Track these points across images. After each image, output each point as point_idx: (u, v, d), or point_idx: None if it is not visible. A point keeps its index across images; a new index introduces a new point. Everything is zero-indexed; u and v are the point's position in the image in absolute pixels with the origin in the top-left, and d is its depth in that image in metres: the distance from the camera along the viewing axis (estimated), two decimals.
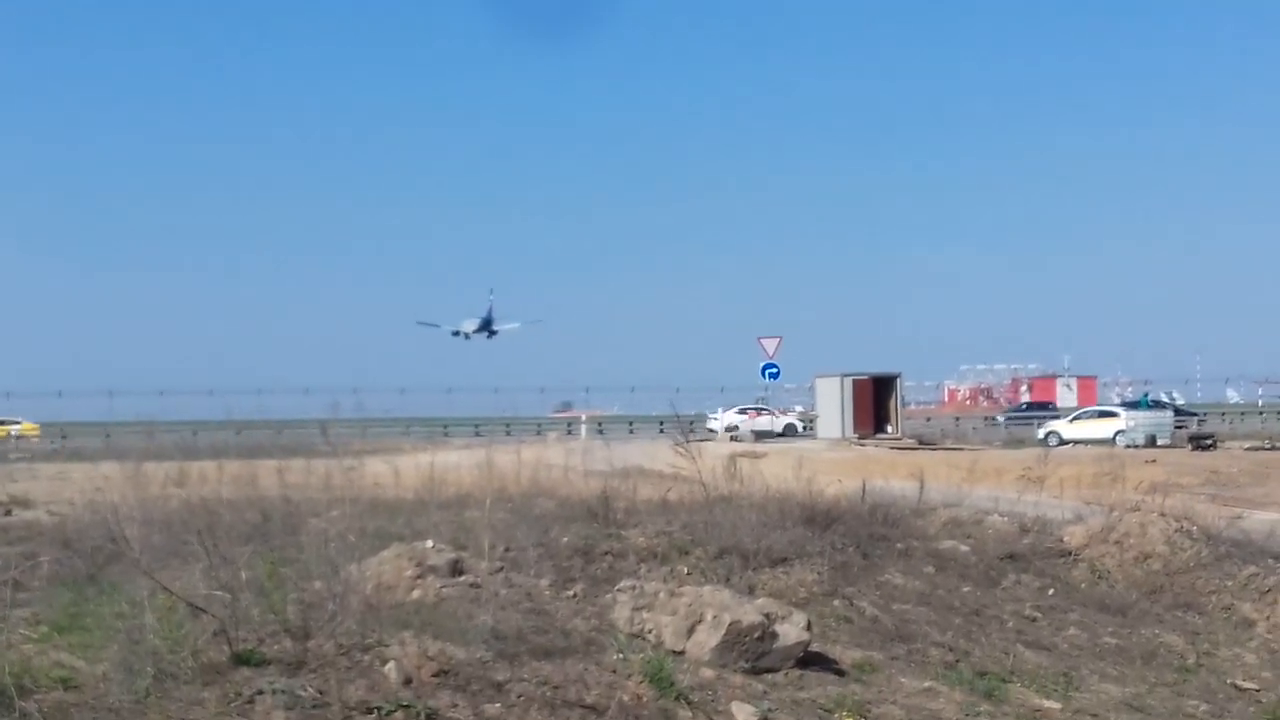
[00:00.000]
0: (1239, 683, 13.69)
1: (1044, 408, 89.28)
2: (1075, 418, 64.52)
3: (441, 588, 11.62)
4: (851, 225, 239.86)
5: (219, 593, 9.12)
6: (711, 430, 63.80)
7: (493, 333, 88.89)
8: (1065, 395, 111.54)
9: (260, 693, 7.81)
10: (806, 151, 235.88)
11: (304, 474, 15.24)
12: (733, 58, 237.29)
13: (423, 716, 7.78)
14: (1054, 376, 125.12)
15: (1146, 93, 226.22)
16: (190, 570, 10.24)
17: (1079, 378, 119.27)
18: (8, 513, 19.92)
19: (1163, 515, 19.06)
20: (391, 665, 8.57)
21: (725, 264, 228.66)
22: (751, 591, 13.18)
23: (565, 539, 14.57)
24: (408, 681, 8.38)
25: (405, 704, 7.88)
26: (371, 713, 7.70)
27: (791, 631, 11.34)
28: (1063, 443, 54.63)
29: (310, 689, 7.92)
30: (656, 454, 25.85)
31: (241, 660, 8.38)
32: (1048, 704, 11.80)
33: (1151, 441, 55.43)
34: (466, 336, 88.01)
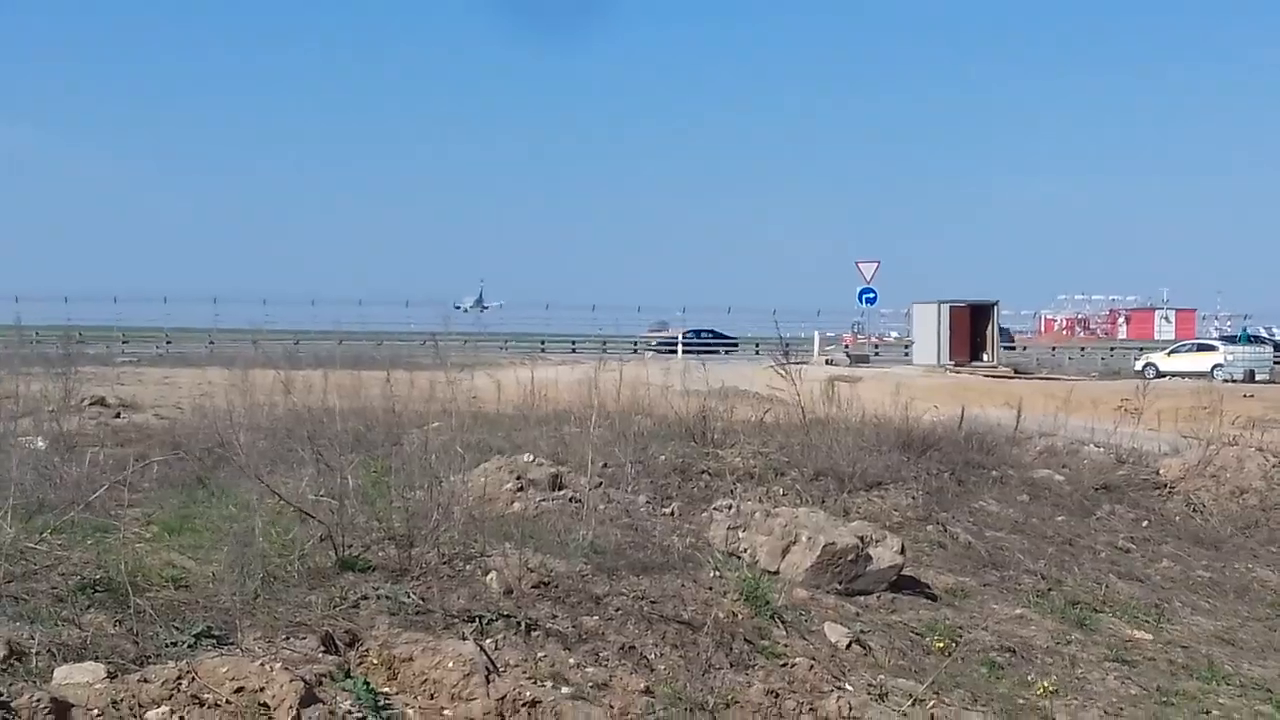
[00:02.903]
0: None
1: None
2: (1173, 350, 63.63)
3: (541, 501, 11.75)
4: (953, 152, 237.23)
5: (325, 499, 9.30)
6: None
7: (485, 308, 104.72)
8: (1164, 328, 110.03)
9: (365, 598, 7.96)
10: (907, 76, 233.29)
11: (406, 385, 15.38)
12: None
13: (523, 626, 7.87)
14: (1152, 309, 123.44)
15: (1254, 23, 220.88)
16: (297, 476, 10.43)
17: (1178, 310, 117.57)
18: (117, 415, 20.28)
19: (1260, 450, 18.79)
20: (493, 575, 8.70)
21: (825, 188, 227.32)
22: (846, 514, 13.21)
23: (663, 457, 14.65)
24: (508, 592, 8.51)
25: (506, 613, 7.99)
26: (473, 621, 7.80)
27: (885, 555, 11.37)
28: (1159, 375, 53.85)
29: (413, 596, 8.05)
30: (753, 376, 25.84)
31: (347, 566, 8.54)
32: (1139, 634, 11.75)
33: (1250, 376, 54.46)
34: (465, 310, 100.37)
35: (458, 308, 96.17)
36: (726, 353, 70.65)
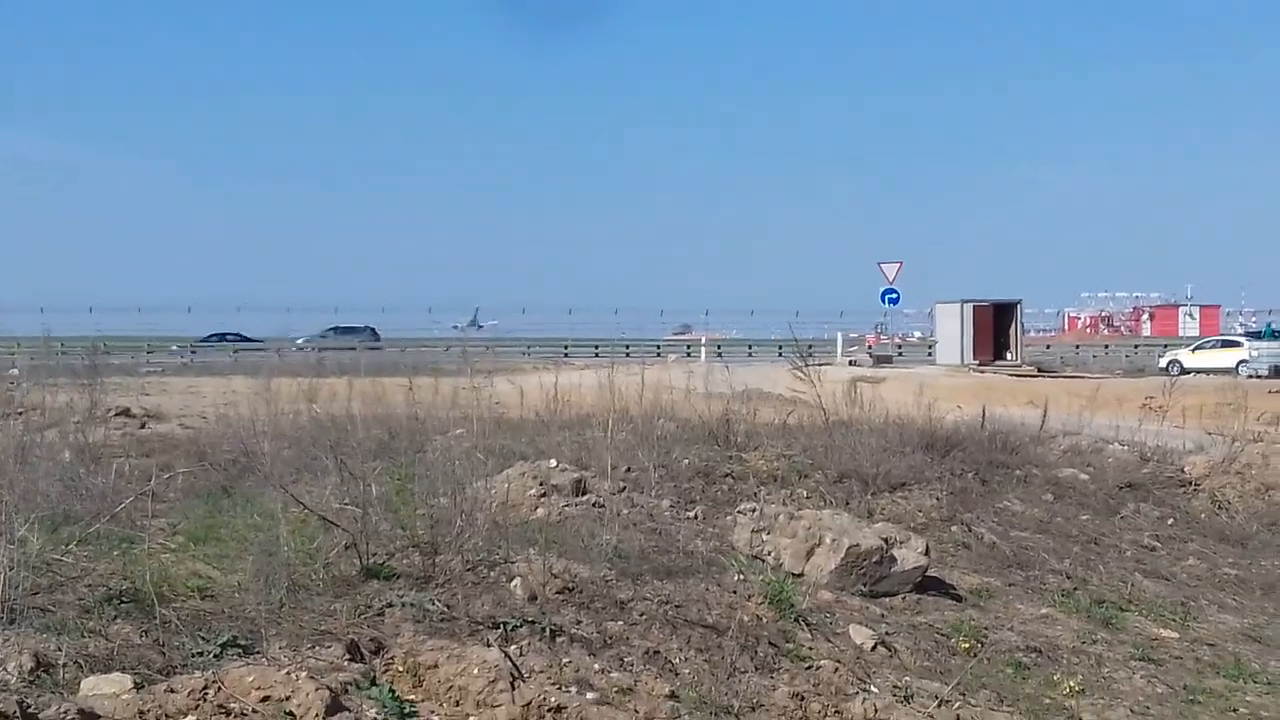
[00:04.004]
0: None
1: None
2: (1197, 347, 63.40)
3: (565, 506, 11.75)
4: (973, 148, 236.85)
5: (350, 507, 9.33)
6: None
7: (480, 327, 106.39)
8: (1188, 324, 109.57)
9: (390, 605, 7.97)
10: (926, 72, 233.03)
11: (429, 392, 15.43)
12: None
13: (547, 632, 7.89)
14: (1176, 305, 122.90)
15: None
16: (321, 485, 10.47)
17: (1202, 307, 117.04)
18: (142, 425, 20.40)
19: None
20: (517, 581, 8.71)
21: (846, 188, 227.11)
22: (870, 516, 13.21)
23: (686, 461, 14.64)
24: (533, 598, 8.52)
25: (531, 619, 8.00)
26: (497, 627, 7.81)
27: (910, 556, 11.37)
28: (1184, 372, 53.60)
29: (438, 603, 8.07)
30: (776, 378, 25.83)
31: (372, 574, 8.56)
32: (1165, 633, 11.73)
33: (1275, 372, 54.34)
34: (461, 329, 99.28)
35: (455, 328, 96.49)
36: (749, 354, 70.42)
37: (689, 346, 77.38)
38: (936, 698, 8.61)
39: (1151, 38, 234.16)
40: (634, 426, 14.44)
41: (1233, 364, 56.66)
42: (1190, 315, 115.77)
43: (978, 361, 55.60)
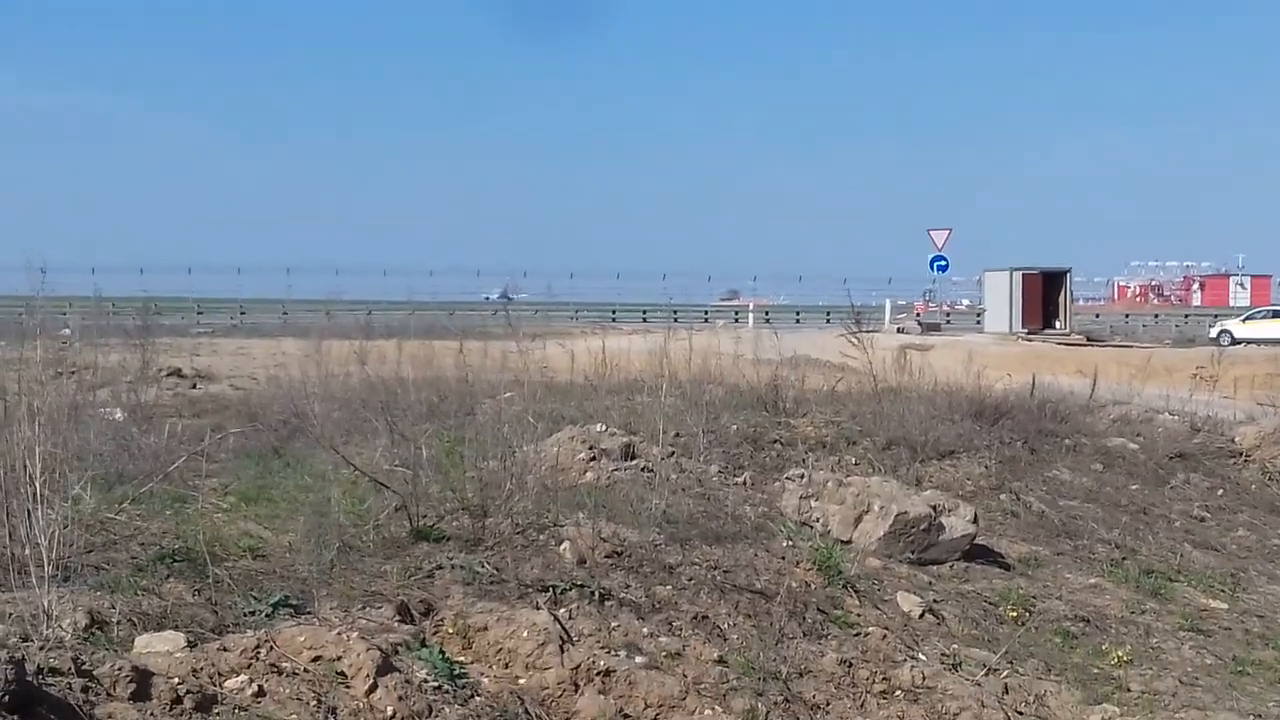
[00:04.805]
0: None
1: None
2: (1248, 317, 62.77)
3: (614, 471, 11.76)
4: (1025, 115, 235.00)
5: (400, 469, 9.36)
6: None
7: (509, 299, 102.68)
8: (1239, 294, 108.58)
9: (440, 567, 8.01)
10: (980, 37, 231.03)
11: (479, 355, 15.44)
12: None
13: (596, 596, 7.90)
14: (1227, 275, 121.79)
15: None
16: (371, 447, 10.51)
17: (1253, 276, 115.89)
18: (193, 386, 20.53)
19: None
20: (566, 545, 8.73)
21: (896, 154, 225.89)
22: (918, 483, 13.19)
23: (734, 426, 14.64)
24: (582, 561, 8.54)
25: (580, 583, 8.02)
26: (547, 590, 7.84)
27: (958, 524, 11.34)
28: (1235, 342, 53.13)
29: (488, 565, 8.10)
30: (824, 344, 25.76)
31: (421, 536, 8.59)
32: (1214, 604, 11.67)
33: None
34: (491, 300, 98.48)
35: (485, 299, 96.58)
36: (797, 320, 70.24)
37: (736, 312, 77.16)
38: (984, 666, 8.60)
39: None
40: (683, 392, 14.42)
41: None
42: (1241, 285, 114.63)
43: (1026, 330, 55.24)
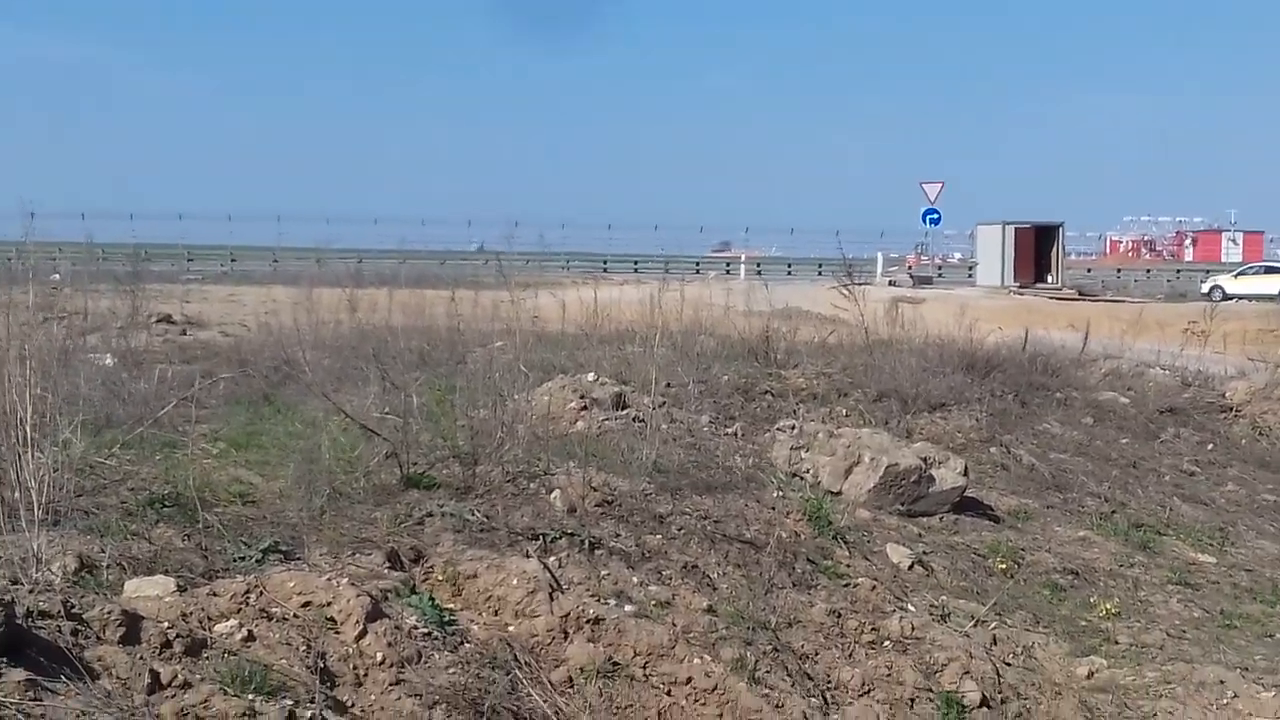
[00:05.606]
0: None
1: None
2: (1240, 273, 62.70)
3: (605, 420, 11.74)
4: (1017, 69, 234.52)
5: (391, 416, 9.34)
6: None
7: (486, 261, 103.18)
8: (1231, 250, 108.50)
9: (430, 515, 7.99)
10: None
11: (470, 304, 15.41)
12: None
13: (586, 545, 7.90)
14: (1219, 230, 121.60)
15: None
16: (362, 394, 10.48)
17: (1245, 232, 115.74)
18: (183, 332, 20.46)
19: None
20: (556, 494, 8.72)
21: (889, 108, 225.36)
22: (909, 436, 13.21)
23: (726, 377, 14.63)
24: (572, 510, 8.54)
25: (570, 531, 8.02)
26: (537, 539, 7.84)
27: (948, 476, 11.37)
28: (1226, 297, 53.07)
29: (478, 513, 8.09)
30: (815, 296, 25.74)
31: (412, 483, 8.58)
32: (1203, 557, 11.72)
33: None
34: (482, 249, 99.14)
35: (479, 248, 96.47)
36: (789, 272, 70.07)
37: (728, 264, 76.95)
38: (973, 617, 8.63)
39: None
40: (674, 342, 14.40)
41: (1275, 290, 55.91)
42: (1233, 241, 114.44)
43: (1018, 284, 55.26)
